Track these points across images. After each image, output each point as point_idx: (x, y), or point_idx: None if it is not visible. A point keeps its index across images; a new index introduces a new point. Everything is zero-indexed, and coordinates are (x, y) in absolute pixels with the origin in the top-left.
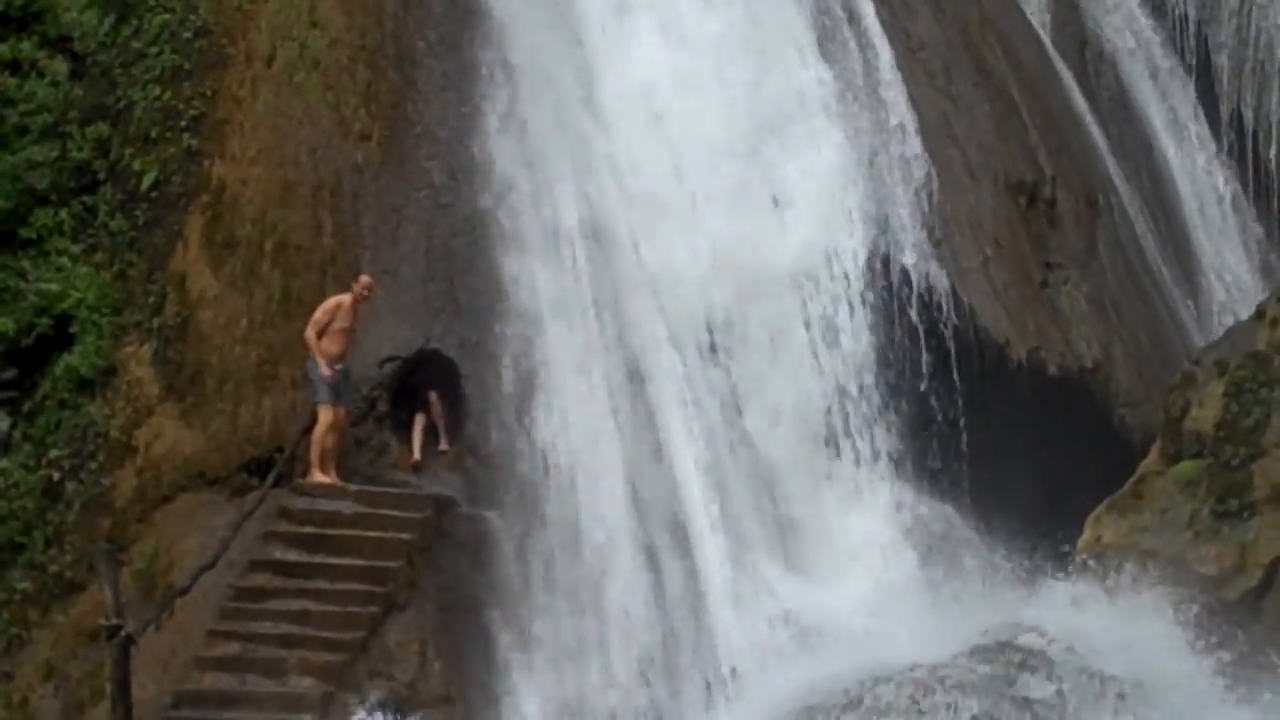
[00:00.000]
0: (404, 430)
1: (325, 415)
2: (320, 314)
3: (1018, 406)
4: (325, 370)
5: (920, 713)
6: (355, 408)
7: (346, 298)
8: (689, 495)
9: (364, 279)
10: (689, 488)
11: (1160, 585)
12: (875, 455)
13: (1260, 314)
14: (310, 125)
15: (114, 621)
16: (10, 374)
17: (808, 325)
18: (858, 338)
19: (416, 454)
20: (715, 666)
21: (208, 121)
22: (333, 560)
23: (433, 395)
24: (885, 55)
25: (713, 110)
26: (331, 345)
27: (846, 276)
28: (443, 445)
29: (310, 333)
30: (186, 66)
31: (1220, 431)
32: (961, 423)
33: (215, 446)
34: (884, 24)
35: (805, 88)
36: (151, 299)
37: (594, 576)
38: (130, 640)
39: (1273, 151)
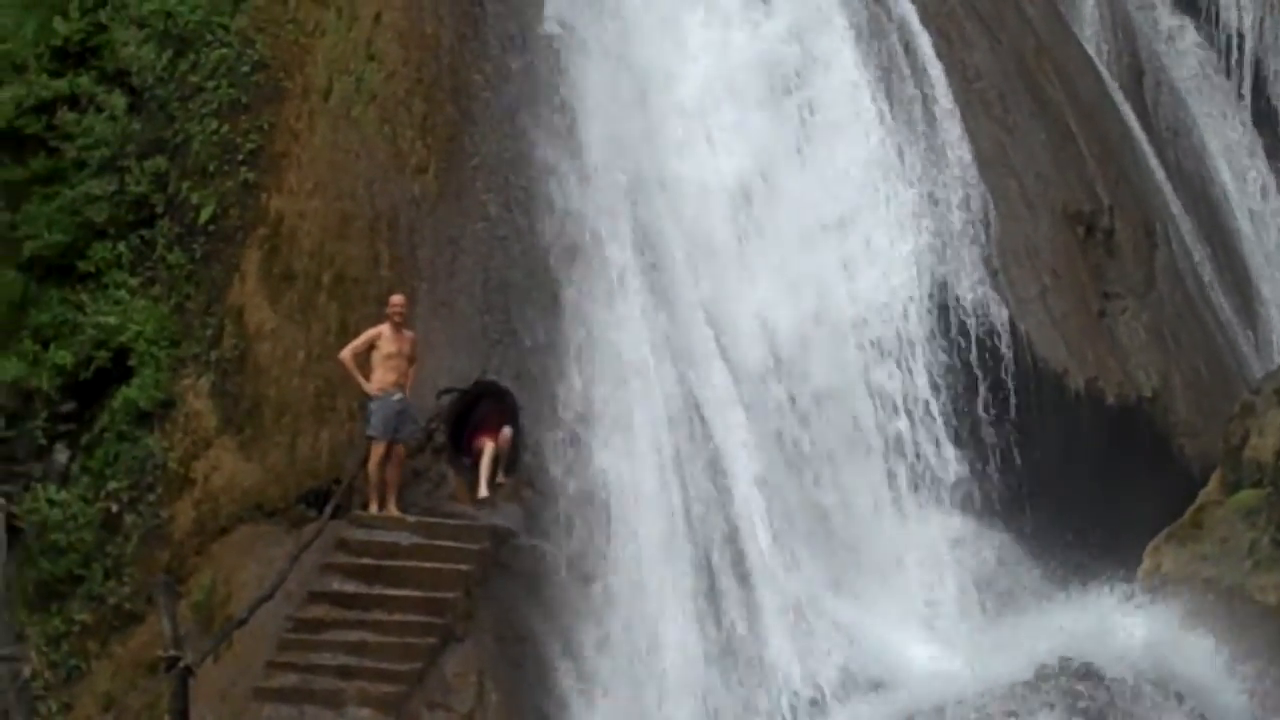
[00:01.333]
0: (462, 461)
1: (377, 450)
2: (359, 340)
3: (1076, 436)
4: (375, 389)
5: None
6: (415, 439)
7: (384, 326)
8: (746, 526)
9: (395, 299)
10: (747, 518)
11: (1220, 614)
12: (934, 484)
13: None
14: (367, 158)
15: (173, 653)
16: (69, 407)
17: (866, 354)
18: (916, 367)
19: (484, 490)
20: (773, 698)
21: (265, 155)
22: (390, 591)
23: (507, 430)
24: (942, 86)
25: (775, 147)
26: (386, 375)
27: (905, 306)
28: (500, 478)
29: (346, 353)
30: (244, 100)
31: None
32: (1019, 452)
33: (273, 478)
34: (940, 55)
35: (864, 122)
36: (209, 332)
37: (652, 607)
38: (189, 671)
39: None
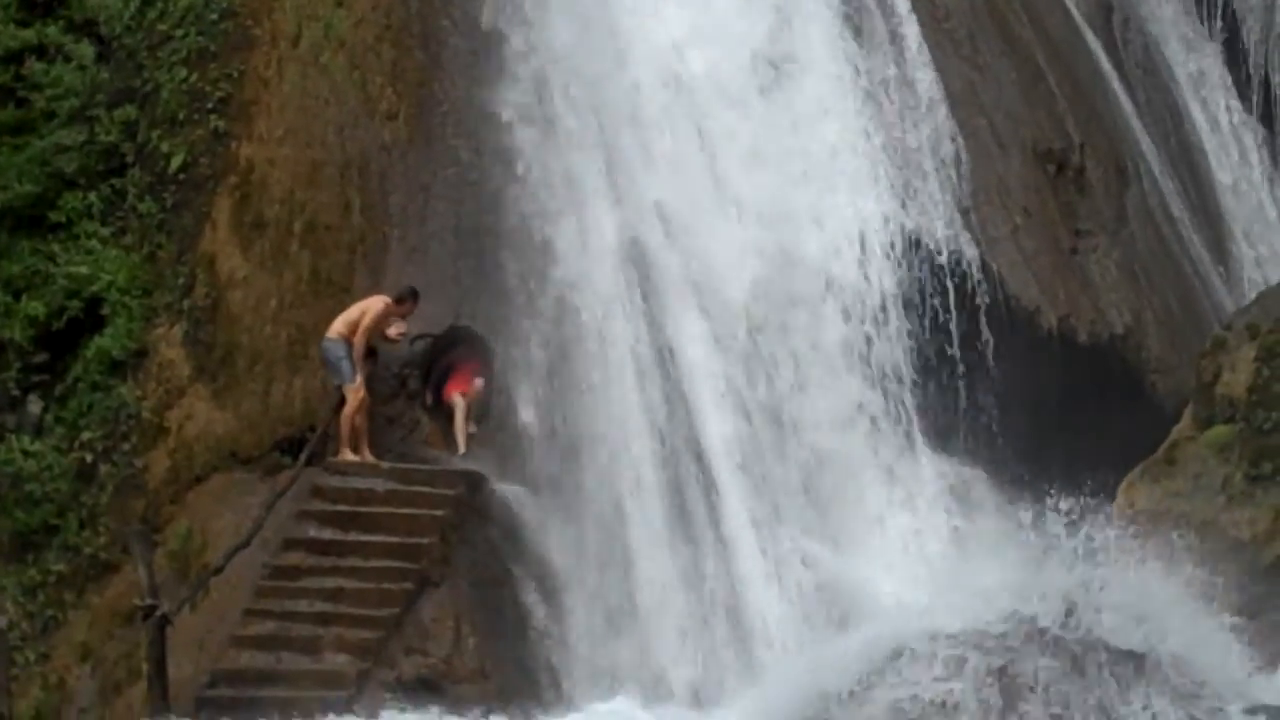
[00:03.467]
0: (436, 408)
1: (355, 395)
2: (370, 322)
3: (1049, 374)
4: (359, 375)
5: (951, 682)
6: (387, 386)
7: (387, 307)
8: (720, 467)
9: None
10: (720, 459)
11: (1194, 550)
12: (907, 423)
13: None
14: (337, 105)
15: (149, 602)
16: (42, 358)
17: (838, 296)
18: (888, 307)
19: (462, 447)
20: (750, 639)
21: (234, 103)
22: (366, 538)
23: (479, 380)
24: (911, 26)
25: (740, 84)
26: (362, 340)
27: (876, 246)
28: (472, 428)
29: (362, 341)
30: (212, 48)
31: (1252, 396)
32: (992, 391)
33: (247, 426)
34: None
35: (832, 60)
36: (181, 280)
37: (626, 550)
38: (166, 620)
39: None
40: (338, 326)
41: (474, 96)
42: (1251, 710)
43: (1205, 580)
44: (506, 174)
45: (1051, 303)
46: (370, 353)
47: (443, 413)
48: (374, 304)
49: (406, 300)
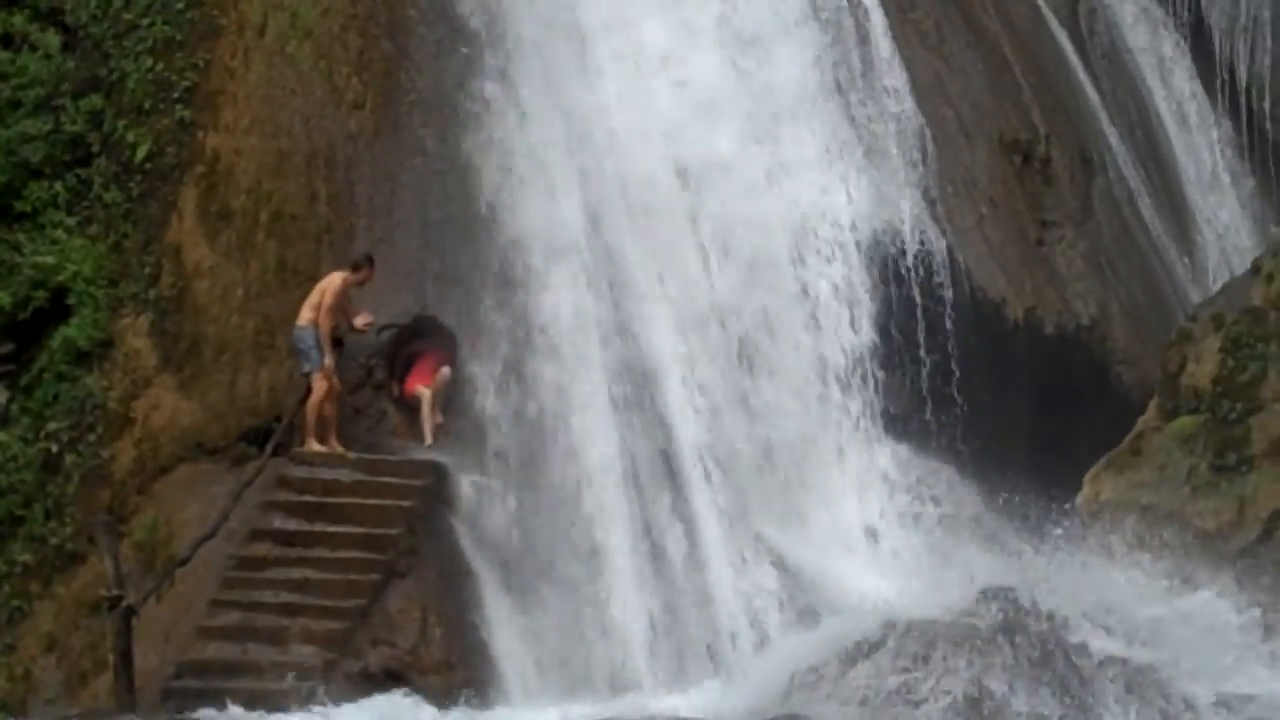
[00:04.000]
0: (400, 400)
1: (320, 384)
2: (331, 300)
3: (1015, 365)
4: (329, 360)
5: (916, 671)
6: (353, 376)
7: (345, 279)
8: (686, 457)
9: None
10: (686, 450)
11: (1159, 540)
12: (873, 415)
13: (1256, 269)
14: (303, 94)
15: (115, 592)
16: (7, 348)
17: (805, 287)
18: (854, 299)
19: (429, 439)
20: (715, 629)
21: (201, 92)
22: (333, 528)
23: (445, 370)
24: (877, 16)
25: (707, 73)
26: (326, 321)
27: (841, 237)
28: (438, 419)
29: (325, 318)
30: (178, 38)
31: (1217, 387)
32: (959, 382)
33: (213, 417)
34: None
35: (798, 50)
36: (147, 270)
37: (592, 540)
38: (132, 611)
39: (1266, 106)
40: (305, 313)
41: (441, 86)
42: (1220, 701)
43: (1171, 570)
44: (473, 164)
45: (1018, 294)
46: (337, 342)
47: (408, 404)
48: (331, 280)
49: (363, 266)
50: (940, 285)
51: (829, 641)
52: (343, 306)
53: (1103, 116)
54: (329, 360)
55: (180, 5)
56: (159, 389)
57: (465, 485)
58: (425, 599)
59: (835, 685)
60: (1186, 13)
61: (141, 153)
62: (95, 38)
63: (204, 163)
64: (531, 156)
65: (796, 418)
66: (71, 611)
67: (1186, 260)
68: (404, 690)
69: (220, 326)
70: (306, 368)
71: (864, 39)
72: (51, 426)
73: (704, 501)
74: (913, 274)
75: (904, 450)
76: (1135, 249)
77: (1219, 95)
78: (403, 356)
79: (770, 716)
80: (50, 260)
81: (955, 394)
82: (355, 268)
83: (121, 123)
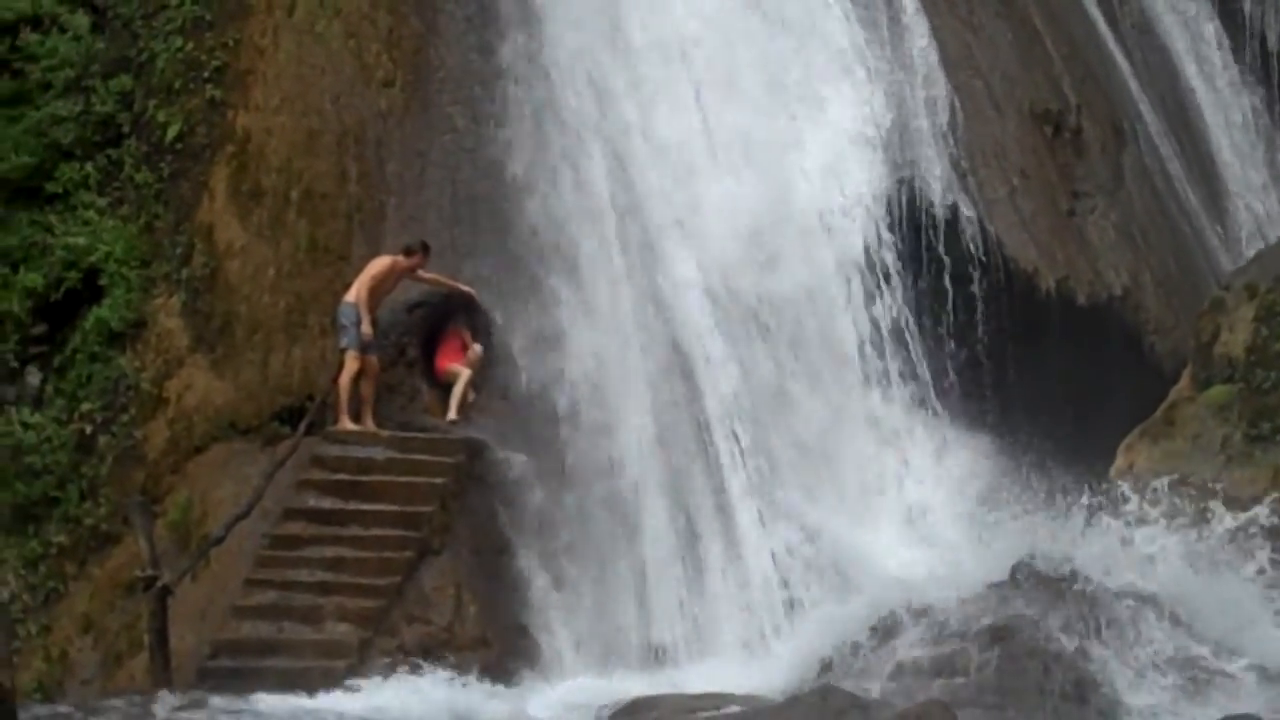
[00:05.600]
0: (434, 376)
1: (353, 362)
2: (376, 271)
3: (1047, 336)
4: (367, 328)
5: (950, 644)
6: (386, 354)
7: (395, 262)
8: (719, 432)
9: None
10: (719, 424)
11: (1194, 510)
12: (906, 387)
13: None
14: (333, 73)
15: (150, 573)
16: (40, 329)
17: (837, 260)
18: (886, 271)
19: (454, 414)
20: (750, 604)
21: (230, 72)
22: (366, 506)
23: (478, 347)
24: None
25: (738, 51)
26: (373, 300)
27: (873, 209)
28: (470, 397)
29: (365, 291)
30: (208, 17)
31: (1251, 355)
32: (990, 353)
33: (246, 396)
34: None
35: (827, 24)
36: (179, 250)
37: (626, 516)
38: (167, 591)
39: None
40: (353, 290)
41: (470, 63)
42: (1250, 668)
43: (1205, 539)
44: (503, 139)
45: (1050, 265)
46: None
47: (440, 382)
48: (377, 262)
49: (416, 252)
50: (972, 257)
51: (863, 615)
52: (385, 285)
53: (1133, 86)
54: (366, 327)
55: None
56: (191, 369)
57: (499, 461)
58: (459, 576)
59: (869, 659)
60: None
61: (172, 133)
62: (124, 18)
63: (234, 142)
64: (562, 131)
65: (828, 390)
66: (107, 592)
67: (1219, 229)
68: (448, 671)
69: (252, 306)
70: (344, 343)
71: (893, 9)
72: (85, 408)
73: (737, 474)
74: (944, 245)
75: (935, 422)
76: (1167, 218)
77: (1249, 62)
78: (435, 334)
79: (805, 690)
80: (82, 241)
81: (987, 365)
82: (408, 252)
83: (152, 103)
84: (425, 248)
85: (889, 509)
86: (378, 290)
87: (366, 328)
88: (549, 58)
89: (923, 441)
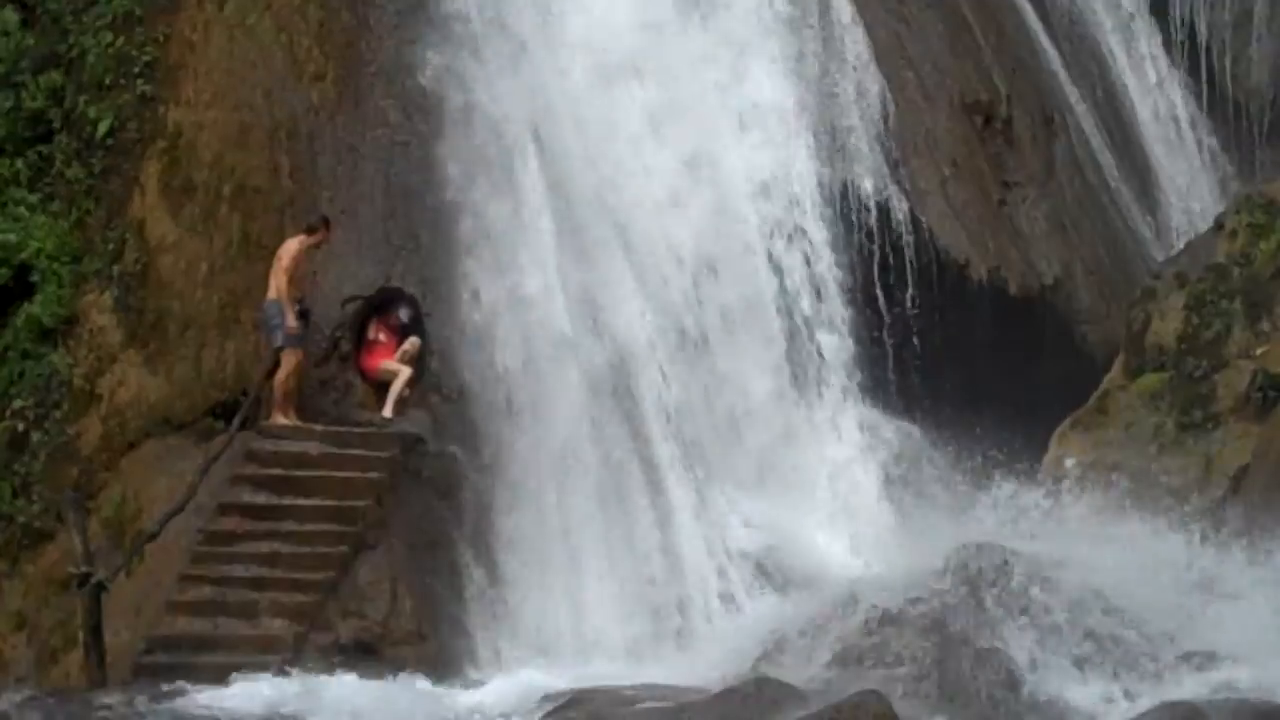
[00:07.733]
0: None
1: (290, 359)
2: (289, 261)
3: (980, 326)
4: (291, 321)
5: (885, 632)
6: (319, 348)
7: (301, 241)
8: (653, 425)
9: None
10: (653, 418)
11: (1127, 498)
12: (838, 377)
13: (1219, 226)
14: (264, 67)
15: (84, 569)
16: None
17: (768, 252)
18: (818, 262)
19: (389, 411)
20: (685, 598)
21: (161, 67)
22: (301, 501)
23: (415, 340)
24: None
25: (666, 42)
26: (294, 289)
27: (804, 201)
28: (405, 392)
29: (284, 281)
30: (138, 12)
31: (1182, 344)
32: (923, 343)
33: (180, 392)
34: None
35: (757, 12)
36: (111, 246)
37: (562, 510)
38: (101, 587)
39: (1226, 64)
40: (272, 286)
41: (402, 57)
42: (1184, 656)
43: (1138, 528)
44: (435, 134)
45: (981, 255)
46: (303, 314)
47: (372, 377)
48: (288, 245)
49: (318, 228)
50: (903, 247)
51: (798, 606)
52: (299, 266)
53: (1064, 76)
54: (291, 321)
55: None
56: (125, 365)
57: (434, 456)
58: (395, 570)
59: (805, 649)
60: None
61: (103, 128)
62: (54, 13)
63: (166, 137)
64: (494, 127)
65: (761, 381)
66: (41, 589)
67: (1149, 219)
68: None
69: (185, 301)
70: (278, 342)
71: (824, 1)
72: (17, 404)
73: (673, 468)
74: (875, 236)
75: (869, 413)
76: (1098, 208)
77: (1178, 54)
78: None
79: (740, 681)
80: (13, 237)
81: (920, 356)
82: (310, 230)
83: (82, 98)
84: (326, 222)
85: (822, 500)
86: (294, 276)
87: (291, 321)
88: (483, 52)
89: (855, 432)
